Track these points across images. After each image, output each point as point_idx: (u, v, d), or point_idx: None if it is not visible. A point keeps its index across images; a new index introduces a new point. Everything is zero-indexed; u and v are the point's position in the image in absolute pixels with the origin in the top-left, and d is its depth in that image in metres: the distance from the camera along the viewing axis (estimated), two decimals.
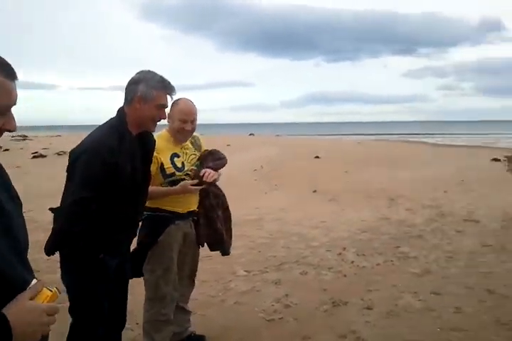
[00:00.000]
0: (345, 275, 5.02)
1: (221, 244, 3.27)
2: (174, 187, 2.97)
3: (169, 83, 2.51)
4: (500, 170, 15.97)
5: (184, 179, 3.00)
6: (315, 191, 10.78)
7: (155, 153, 2.82)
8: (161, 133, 3.06)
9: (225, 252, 3.34)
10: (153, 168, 2.85)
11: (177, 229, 3.06)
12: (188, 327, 3.40)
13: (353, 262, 5.47)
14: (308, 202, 9.59)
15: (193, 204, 3.13)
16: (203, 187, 3.02)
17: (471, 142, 37.53)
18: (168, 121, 3.01)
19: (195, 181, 2.98)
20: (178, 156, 3.04)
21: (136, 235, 2.78)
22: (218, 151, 3.26)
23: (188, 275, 3.32)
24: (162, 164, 2.94)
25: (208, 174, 2.99)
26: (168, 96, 2.53)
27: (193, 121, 3.03)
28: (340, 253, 5.82)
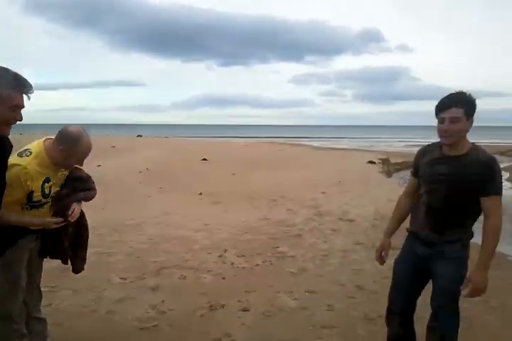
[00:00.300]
0: (224, 278, 5.01)
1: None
2: (34, 219, 2.74)
3: (25, 80, 2.28)
4: (375, 172, 17.16)
5: (46, 203, 2.77)
6: (200, 193, 10.73)
7: (26, 180, 2.56)
8: (37, 153, 2.66)
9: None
10: (20, 192, 2.58)
11: (24, 243, 2.79)
12: (47, 336, 3.15)
13: (232, 264, 5.49)
14: (192, 204, 9.52)
15: None
16: (64, 223, 2.82)
17: (350, 145, 39.92)
18: (59, 149, 2.67)
19: (60, 220, 2.78)
20: (49, 181, 2.72)
21: None
22: (90, 178, 3.01)
23: (37, 287, 3.06)
24: (32, 191, 2.64)
25: (76, 213, 2.82)
26: (25, 96, 2.30)
27: None
28: (220, 256, 5.82)
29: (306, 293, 4.62)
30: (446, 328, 2.68)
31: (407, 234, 2.94)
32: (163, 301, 4.32)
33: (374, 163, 19.84)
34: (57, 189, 2.83)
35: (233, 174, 14.58)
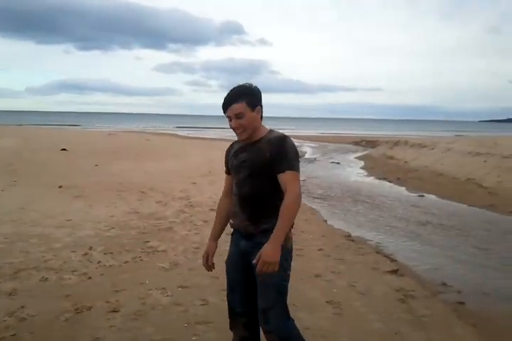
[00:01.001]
0: (90, 278, 4.69)
1: None
2: None
3: None
4: None
5: None
6: (61, 186, 9.98)
7: None
8: None
9: None
10: None
11: None
12: None
13: (99, 262, 5.17)
14: (52, 199, 8.80)
15: None
16: None
17: (218, 135, 40.30)
18: None
19: None
20: None
21: None
22: None
23: None
24: None
25: None
26: None
27: None
28: (86, 254, 5.45)
29: (179, 289, 4.51)
30: (281, 330, 2.54)
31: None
32: (22, 307, 3.92)
33: None
34: None
35: (96, 165, 13.84)
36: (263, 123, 2.67)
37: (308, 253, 5.91)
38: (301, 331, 3.57)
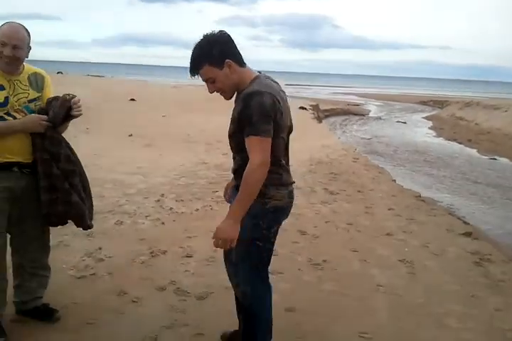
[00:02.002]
0: (163, 223, 4.81)
1: (78, 217, 2.73)
2: (12, 122, 2.47)
3: None
4: (306, 118, 17.20)
5: (2, 118, 2.46)
6: (131, 135, 10.22)
7: None
8: None
9: (87, 226, 2.83)
10: None
11: None
12: (36, 297, 2.89)
13: (171, 208, 5.28)
14: (123, 146, 9.04)
15: (15, 154, 2.54)
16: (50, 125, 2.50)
17: None
18: None
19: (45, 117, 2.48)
20: (3, 89, 2.47)
21: None
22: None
23: (35, 237, 2.77)
24: None
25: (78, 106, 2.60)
26: None
27: (16, 47, 2.46)
28: (158, 200, 5.58)
29: None
30: (247, 285, 2.42)
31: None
32: (99, 248, 4.06)
33: (305, 108, 19.88)
34: (20, 108, 2.54)
35: (163, 116, 14.04)
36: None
37: (378, 212, 5.78)
38: (370, 288, 3.58)
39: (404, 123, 20.85)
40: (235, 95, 2.34)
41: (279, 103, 2.20)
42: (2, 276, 2.71)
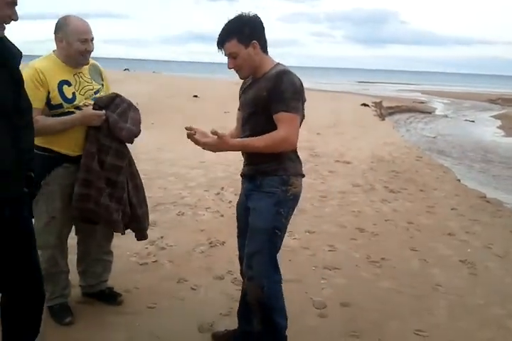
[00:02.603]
0: (222, 215, 4.92)
1: (105, 221, 2.74)
2: (70, 116, 2.56)
3: None
4: (369, 115, 16.95)
5: (70, 112, 2.58)
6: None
7: (42, 77, 2.46)
8: (48, 56, 2.64)
9: (121, 231, 2.86)
10: (41, 95, 2.48)
11: (66, 173, 2.65)
12: (102, 280, 3.06)
13: (230, 202, 5.37)
14: (186, 141, 9.13)
15: (81, 147, 2.66)
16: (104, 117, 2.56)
17: (343, 88, 39.34)
18: (59, 46, 2.59)
19: (102, 112, 2.55)
20: (70, 85, 2.58)
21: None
22: (137, 110, 2.82)
23: (101, 226, 2.91)
24: (49, 92, 2.51)
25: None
26: None
27: (92, 39, 2.61)
28: (218, 193, 5.70)
29: (307, 233, 4.56)
30: (263, 277, 2.36)
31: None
32: (161, 237, 4.22)
33: (368, 105, 19.56)
34: (87, 102, 2.64)
35: (226, 112, 14.24)
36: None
37: (440, 212, 5.63)
38: (429, 288, 3.52)
39: (472, 121, 20.06)
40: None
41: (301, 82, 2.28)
42: (66, 261, 2.88)
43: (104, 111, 2.58)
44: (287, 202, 2.34)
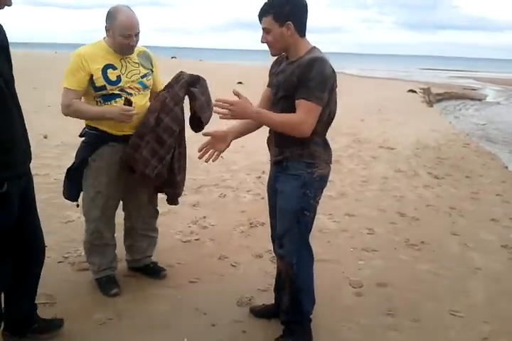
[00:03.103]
0: (263, 198, 4.98)
1: (139, 170, 2.83)
2: (103, 109, 2.73)
3: None
4: (416, 101, 16.60)
5: (118, 95, 2.73)
6: None
7: (84, 62, 2.64)
8: (97, 42, 2.80)
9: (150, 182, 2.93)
10: (82, 77, 2.66)
11: (112, 151, 2.81)
12: (147, 255, 3.24)
13: None
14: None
15: (132, 127, 2.80)
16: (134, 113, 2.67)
17: (390, 75, 38.49)
18: (107, 35, 2.74)
19: (130, 108, 2.66)
20: (115, 68, 2.73)
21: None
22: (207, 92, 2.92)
23: (147, 202, 3.09)
24: (92, 75, 2.67)
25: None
26: None
27: (137, 34, 2.71)
28: (259, 177, 5.80)
29: (346, 217, 4.61)
30: (294, 254, 2.41)
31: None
32: (204, 217, 4.37)
33: (415, 92, 19.14)
34: (135, 85, 2.78)
35: None
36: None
37: (484, 197, 5.54)
38: (468, 271, 3.51)
39: None
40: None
41: (334, 71, 2.28)
42: (112, 235, 3.04)
43: (133, 109, 2.67)
44: (313, 183, 2.36)
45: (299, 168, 2.34)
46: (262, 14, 2.28)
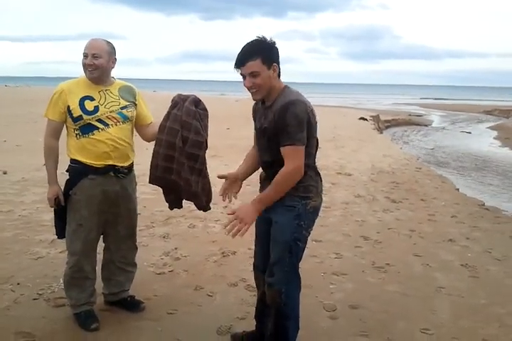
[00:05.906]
0: None
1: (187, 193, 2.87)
2: (51, 177, 2.91)
3: None
4: (367, 129, 17.22)
5: (92, 124, 2.80)
6: None
7: (63, 94, 2.80)
8: (80, 77, 2.93)
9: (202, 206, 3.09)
10: (60, 108, 2.81)
11: (91, 184, 2.86)
12: (124, 289, 3.24)
13: None
14: None
15: (111, 158, 2.87)
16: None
17: (339, 103, 39.76)
18: None
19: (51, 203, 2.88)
20: (92, 99, 2.83)
21: None
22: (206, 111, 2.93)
23: (126, 236, 3.13)
24: (68, 106, 2.80)
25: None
26: None
27: (95, 55, 2.80)
28: (226, 206, 5.88)
29: (314, 242, 4.73)
30: (283, 284, 2.47)
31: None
32: (175, 248, 4.42)
33: (366, 119, 19.86)
34: (113, 115, 2.85)
35: (228, 129, 14.50)
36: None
37: (440, 219, 5.84)
38: (433, 290, 3.70)
39: (469, 133, 20.36)
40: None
41: (308, 106, 2.35)
42: (92, 268, 3.05)
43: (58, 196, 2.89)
44: (307, 215, 2.45)
45: (293, 199, 2.41)
46: (249, 58, 2.28)
